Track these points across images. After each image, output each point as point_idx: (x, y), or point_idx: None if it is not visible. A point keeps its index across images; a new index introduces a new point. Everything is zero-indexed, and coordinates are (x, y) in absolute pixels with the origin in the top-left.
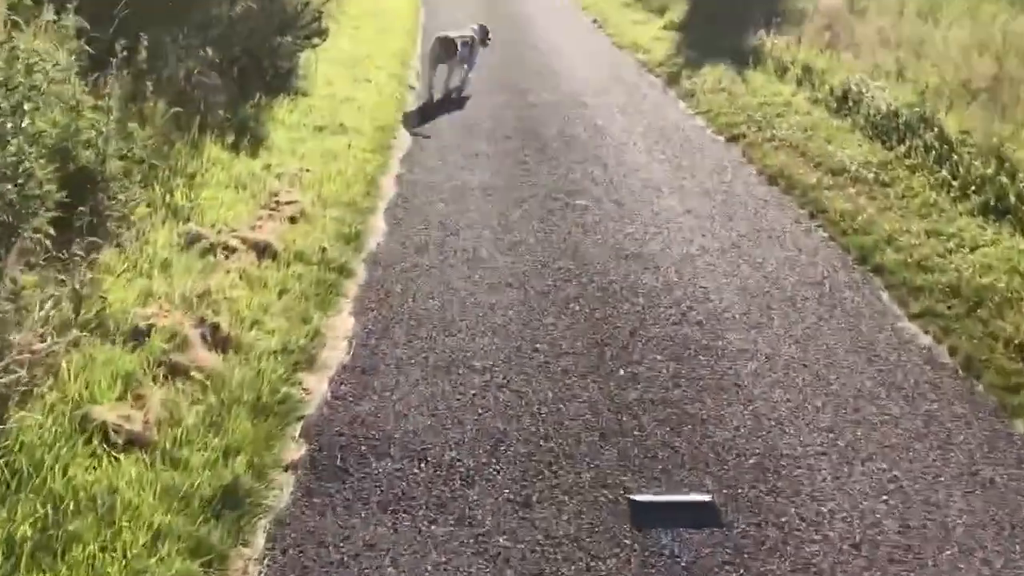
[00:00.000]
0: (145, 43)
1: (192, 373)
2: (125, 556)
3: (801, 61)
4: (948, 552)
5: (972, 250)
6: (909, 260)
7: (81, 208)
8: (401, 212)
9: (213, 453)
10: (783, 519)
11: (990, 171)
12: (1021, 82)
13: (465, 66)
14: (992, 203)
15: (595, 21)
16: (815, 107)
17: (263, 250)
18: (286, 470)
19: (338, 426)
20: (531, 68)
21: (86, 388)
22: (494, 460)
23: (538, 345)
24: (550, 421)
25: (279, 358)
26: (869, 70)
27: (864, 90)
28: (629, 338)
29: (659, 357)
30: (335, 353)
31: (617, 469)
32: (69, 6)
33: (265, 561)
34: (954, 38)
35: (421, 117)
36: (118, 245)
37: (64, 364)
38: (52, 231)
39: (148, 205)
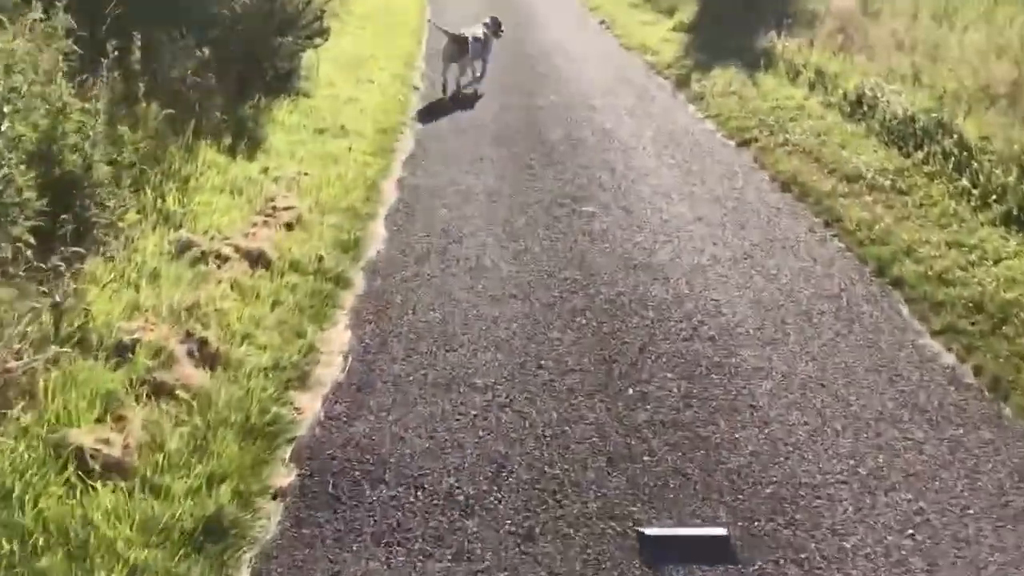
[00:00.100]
0: (139, 43)
1: (177, 392)
2: None
3: (813, 64)
4: None
5: (995, 263)
6: (929, 273)
7: (64, 216)
8: (402, 218)
9: (196, 480)
10: (803, 555)
11: (1012, 179)
12: None
13: (476, 62)
14: (1015, 213)
15: (603, 22)
16: (828, 111)
17: (257, 259)
18: (274, 498)
19: (331, 449)
20: (538, 69)
21: (64, 409)
22: (495, 488)
23: (543, 361)
24: (555, 445)
25: (270, 375)
26: (884, 74)
27: (879, 94)
28: (638, 354)
29: (669, 375)
30: (330, 369)
31: (626, 498)
32: (58, 4)
33: None
34: (970, 41)
35: (425, 118)
36: (105, 254)
37: (42, 383)
38: (32, 240)
39: (138, 211)
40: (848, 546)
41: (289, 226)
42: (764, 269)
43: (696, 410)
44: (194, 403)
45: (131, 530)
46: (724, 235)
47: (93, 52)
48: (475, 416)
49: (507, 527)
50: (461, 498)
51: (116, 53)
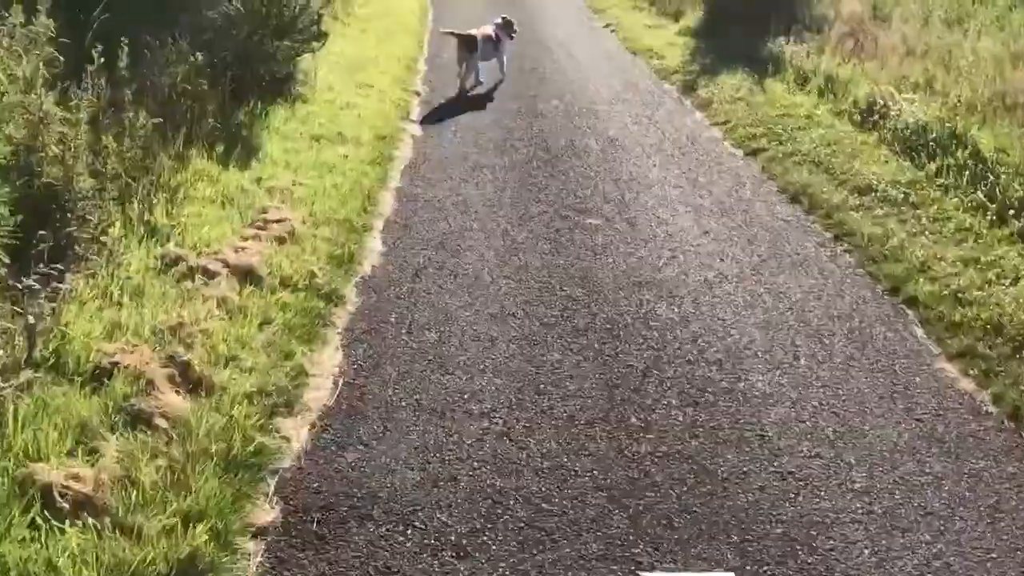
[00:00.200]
0: (126, 48)
1: (156, 421)
2: None
3: (823, 70)
4: None
5: (1014, 282)
6: (945, 292)
7: (42, 232)
8: (399, 230)
9: (172, 518)
10: None
11: None
12: None
13: (482, 64)
14: None
15: (608, 25)
16: (838, 119)
17: (246, 275)
18: (255, 536)
19: (317, 482)
20: (541, 74)
21: (34, 440)
22: (489, 526)
23: (542, 386)
24: (553, 478)
25: (255, 401)
26: (895, 81)
27: (890, 103)
28: (641, 379)
29: (675, 402)
30: (319, 394)
31: (627, 539)
32: (40, 9)
33: None
34: (984, 48)
35: (425, 124)
36: (86, 271)
37: (11, 411)
38: (6, 258)
39: (123, 225)
40: None
41: (281, 240)
42: (773, 287)
43: (702, 440)
44: (173, 433)
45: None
46: (732, 250)
47: (78, 59)
48: (470, 446)
49: (501, 570)
50: (453, 537)
51: (102, 60)
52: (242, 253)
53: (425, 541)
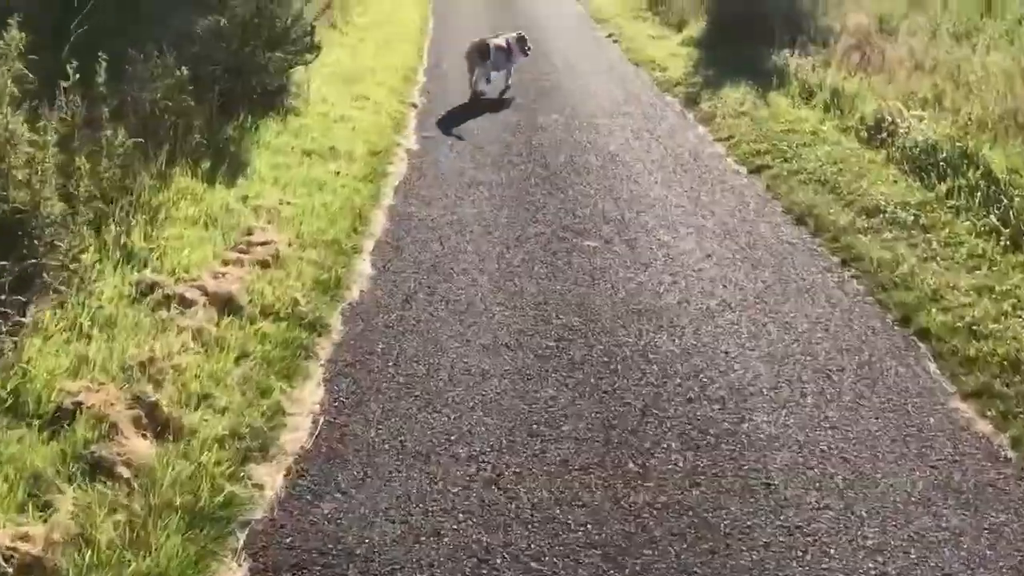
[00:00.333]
0: (104, 63)
1: (118, 470)
2: None
3: (829, 84)
4: None
5: None
6: (959, 324)
7: (3, 262)
8: (390, 252)
9: None
10: None
11: None
12: None
13: (494, 73)
14: None
15: (610, 35)
16: (845, 136)
17: (225, 303)
18: None
19: (290, 536)
20: (541, 86)
21: None
22: None
23: (535, 426)
24: (544, 533)
25: (227, 445)
26: (903, 96)
27: (899, 120)
28: (640, 418)
29: (674, 445)
30: (296, 435)
31: None
32: (11, 21)
33: None
34: (993, 63)
35: (421, 138)
36: (55, 300)
37: None
38: None
39: (98, 249)
40: None
41: (264, 264)
42: (778, 316)
43: (704, 489)
44: (136, 483)
45: None
46: (735, 275)
47: (53, 74)
48: (455, 495)
49: None
50: None
51: (78, 76)
52: (222, 279)
53: None
